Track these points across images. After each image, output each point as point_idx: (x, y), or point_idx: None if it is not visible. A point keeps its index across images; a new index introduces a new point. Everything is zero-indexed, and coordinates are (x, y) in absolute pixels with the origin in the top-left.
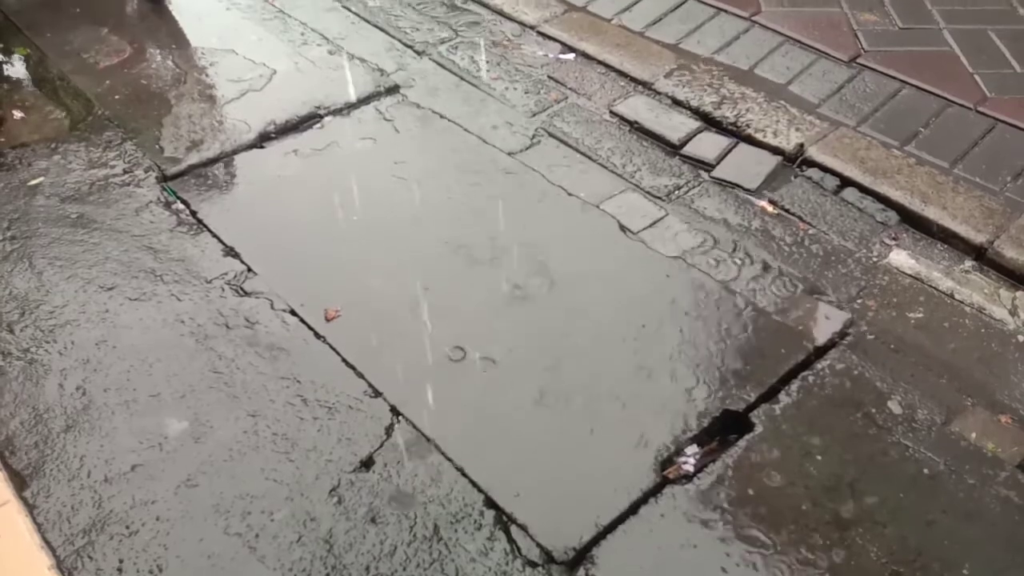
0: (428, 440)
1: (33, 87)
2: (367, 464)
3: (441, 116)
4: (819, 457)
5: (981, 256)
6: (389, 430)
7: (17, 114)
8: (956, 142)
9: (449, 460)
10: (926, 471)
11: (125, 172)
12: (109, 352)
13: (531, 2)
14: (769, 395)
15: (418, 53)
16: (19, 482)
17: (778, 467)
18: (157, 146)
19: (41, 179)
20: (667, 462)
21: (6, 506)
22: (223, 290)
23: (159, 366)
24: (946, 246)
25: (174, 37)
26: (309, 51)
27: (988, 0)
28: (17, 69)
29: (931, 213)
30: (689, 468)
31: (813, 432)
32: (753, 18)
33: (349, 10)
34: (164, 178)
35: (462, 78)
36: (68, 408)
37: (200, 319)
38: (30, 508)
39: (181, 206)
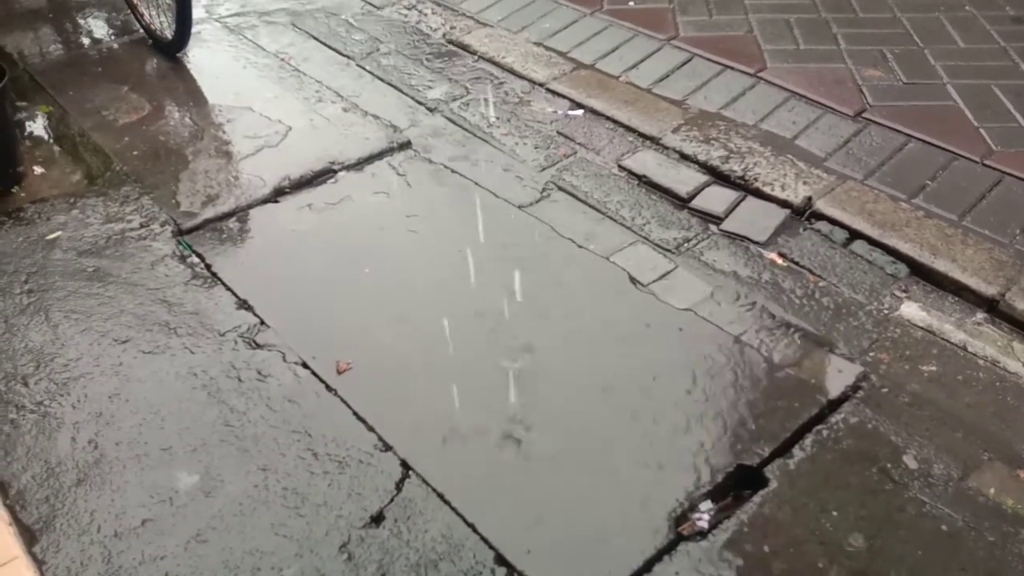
0: (439, 495)
1: (54, 144)
2: (377, 520)
3: (453, 171)
4: (835, 513)
5: (993, 308)
6: (399, 485)
7: (38, 170)
8: (964, 195)
9: (460, 516)
10: (944, 528)
11: (142, 226)
12: (122, 405)
13: (541, 60)
14: (783, 450)
15: (430, 110)
16: (29, 537)
17: (793, 523)
18: (173, 201)
19: (59, 233)
20: (681, 518)
21: (15, 562)
22: (236, 343)
23: (171, 419)
24: (957, 298)
25: (192, 95)
26: (324, 108)
27: (991, 56)
28: (39, 126)
29: (941, 265)
30: (703, 524)
31: (828, 487)
32: (759, 74)
33: (363, 69)
34: (180, 232)
35: (473, 134)
36: (80, 462)
37: (213, 372)
38: (39, 564)
39: (196, 260)
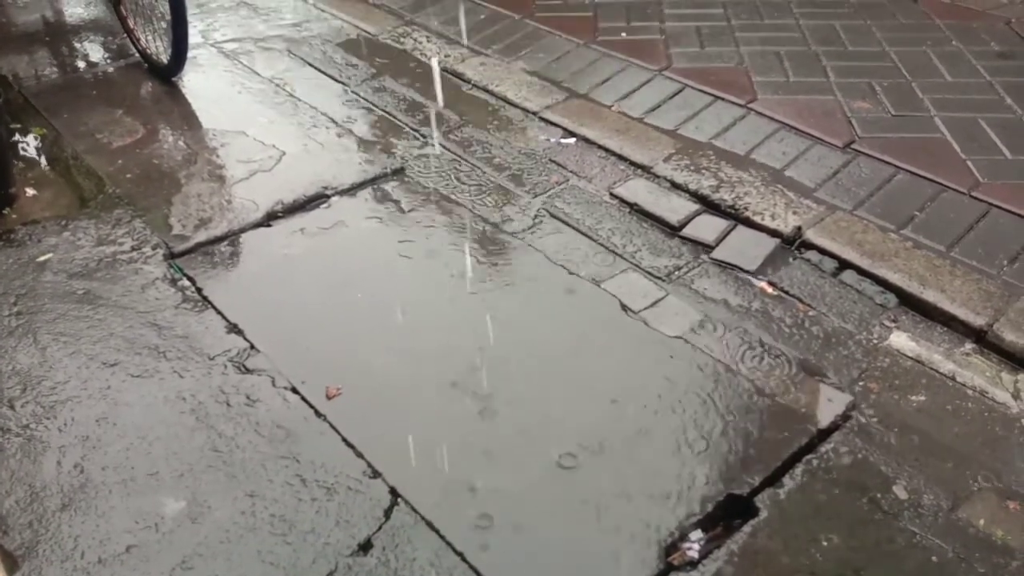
0: (427, 523)
1: (47, 166)
2: (365, 548)
3: (445, 196)
4: (825, 543)
5: (981, 339)
6: (388, 512)
7: (30, 191)
8: (952, 226)
9: (448, 544)
10: (935, 559)
11: (133, 249)
12: (109, 429)
13: (534, 89)
14: (773, 479)
15: (424, 136)
16: (10, 563)
17: (784, 553)
18: (166, 224)
19: (50, 255)
20: (671, 548)
21: None
22: (225, 367)
23: (159, 444)
24: (946, 329)
25: (186, 119)
26: (318, 133)
27: (977, 90)
28: (33, 148)
29: (930, 296)
30: (694, 554)
31: (818, 517)
32: (749, 105)
33: (358, 95)
34: (171, 255)
35: (466, 160)
36: (65, 486)
37: (201, 396)
38: None
39: (187, 283)
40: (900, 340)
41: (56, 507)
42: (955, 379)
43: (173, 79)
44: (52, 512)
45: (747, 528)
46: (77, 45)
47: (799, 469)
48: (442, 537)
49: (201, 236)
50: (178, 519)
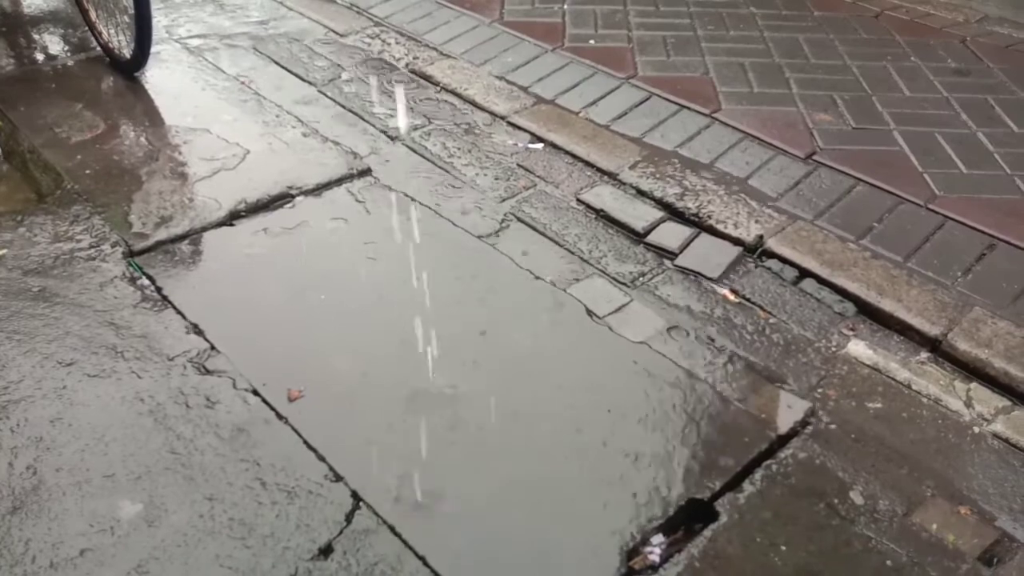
0: (389, 528)
1: (2, 160)
2: (326, 552)
3: (412, 199)
4: (783, 548)
5: (936, 348)
6: (349, 516)
7: None
8: (909, 237)
9: (410, 548)
10: (889, 563)
11: (91, 246)
12: (64, 430)
13: (502, 94)
14: (733, 484)
15: (391, 138)
16: None
17: (743, 557)
18: (125, 221)
19: (4, 251)
20: (633, 552)
21: None
22: (185, 368)
23: (115, 445)
24: (902, 337)
25: (149, 115)
26: (284, 133)
27: (934, 105)
28: None
29: (887, 305)
30: (655, 558)
31: (777, 522)
32: (713, 115)
33: (325, 95)
34: (131, 253)
35: (434, 163)
36: (16, 489)
37: (160, 397)
38: None
39: (146, 282)
40: (858, 348)
41: (6, 510)
42: (910, 387)
43: (136, 74)
44: (2, 515)
45: (708, 532)
46: (36, 37)
47: (759, 474)
48: (404, 542)
49: (161, 234)
50: (134, 522)
